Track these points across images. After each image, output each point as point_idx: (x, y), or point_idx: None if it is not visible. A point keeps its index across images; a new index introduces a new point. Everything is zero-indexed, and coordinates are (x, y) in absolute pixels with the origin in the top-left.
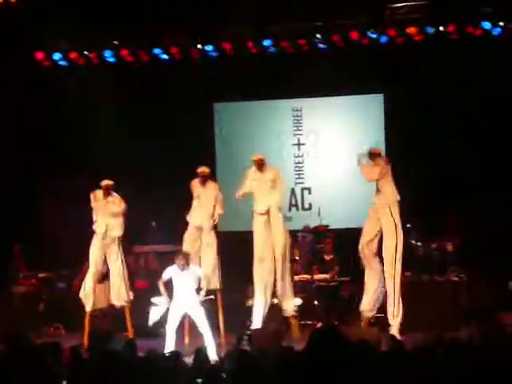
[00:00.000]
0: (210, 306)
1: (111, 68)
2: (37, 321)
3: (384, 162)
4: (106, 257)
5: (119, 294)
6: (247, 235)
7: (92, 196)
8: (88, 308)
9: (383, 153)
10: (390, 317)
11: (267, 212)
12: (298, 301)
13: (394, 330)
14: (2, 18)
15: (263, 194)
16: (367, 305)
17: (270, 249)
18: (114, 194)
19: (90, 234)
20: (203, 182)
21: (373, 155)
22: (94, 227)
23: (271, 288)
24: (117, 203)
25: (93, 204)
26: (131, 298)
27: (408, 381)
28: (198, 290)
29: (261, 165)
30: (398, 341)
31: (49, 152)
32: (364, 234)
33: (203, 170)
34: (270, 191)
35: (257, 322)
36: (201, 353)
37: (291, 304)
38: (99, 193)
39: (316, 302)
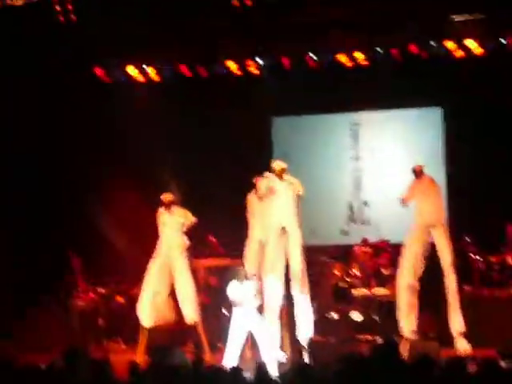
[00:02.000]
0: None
1: (170, 83)
2: (96, 335)
3: (418, 180)
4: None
5: (190, 310)
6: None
7: (158, 214)
8: (145, 323)
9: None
10: (459, 332)
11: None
12: (358, 315)
13: (463, 343)
14: (62, 34)
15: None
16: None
17: None
18: (177, 207)
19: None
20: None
21: (416, 172)
22: (158, 243)
23: None
24: (183, 217)
25: (158, 220)
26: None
27: None
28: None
29: (281, 174)
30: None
31: (108, 165)
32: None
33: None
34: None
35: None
36: (261, 368)
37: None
38: (162, 209)
39: (375, 317)
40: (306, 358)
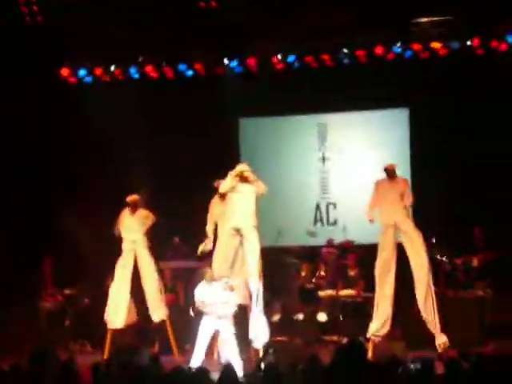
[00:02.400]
0: (237, 321)
1: (136, 84)
2: (63, 337)
3: (406, 183)
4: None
5: (158, 309)
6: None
7: (121, 215)
8: (111, 326)
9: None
10: (438, 331)
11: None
12: (324, 316)
13: (443, 338)
14: (28, 34)
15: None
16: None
17: None
18: (141, 209)
19: (114, 249)
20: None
21: (389, 171)
22: (123, 245)
23: None
24: (145, 218)
25: (120, 222)
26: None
27: None
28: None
29: (245, 177)
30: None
31: (75, 165)
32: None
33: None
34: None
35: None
36: (228, 369)
37: None
38: (125, 210)
39: (341, 318)
40: (271, 359)
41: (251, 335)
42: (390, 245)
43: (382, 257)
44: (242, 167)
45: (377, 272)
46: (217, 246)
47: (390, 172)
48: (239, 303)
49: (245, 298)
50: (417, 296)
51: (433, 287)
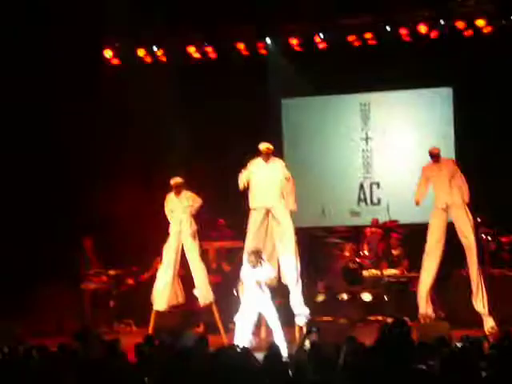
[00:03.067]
0: (282, 302)
1: (179, 65)
2: (108, 317)
3: (453, 163)
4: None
5: (204, 292)
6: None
7: (166, 198)
8: (158, 307)
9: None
10: (486, 310)
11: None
12: (368, 296)
13: (491, 322)
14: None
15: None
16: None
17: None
18: (186, 191)
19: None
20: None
21: (434, 155)
22: (170, 229)
23: None
24: (190, 200)
25: (166, 205)
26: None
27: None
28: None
29: (268, 155)
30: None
31: (119, 149)
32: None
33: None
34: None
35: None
36: (273, 349)
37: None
38: (170, 193)
39: (386, 298)
40: (315, 338)
41: (295, 313)
42: (441, 228)
43: (431, 240)
44: (264, 145)
45: (425, 254)
46: (248, 224)
47: (435, 155)
48: (279, 280)
49: (284, 277)
50: (470, 278)
51: (481, 270)
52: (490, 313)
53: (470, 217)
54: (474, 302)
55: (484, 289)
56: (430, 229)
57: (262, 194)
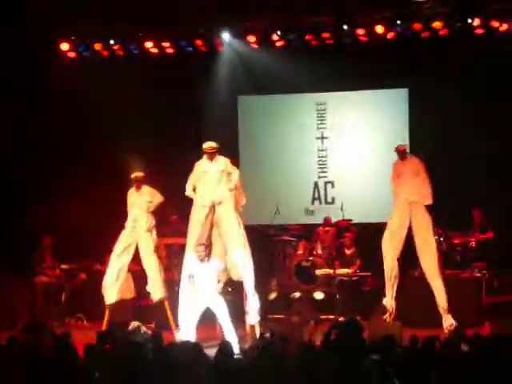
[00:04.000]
0: (232, 298)
1: (135, 60)
2: (59, 312)
3: (418, 161)
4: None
5: (157, 288)
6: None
7: (128, 193)
8: (108, 301)
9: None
10: (444, 311)
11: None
12: (320, 295)
13: (450, 319)
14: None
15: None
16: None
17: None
18: (147, 186)
19: (113, 226)
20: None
21: (399, 152)
22: (126, 222)
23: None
24: (150, 196)
25: (128, 201)
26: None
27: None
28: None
29: (212, 154)
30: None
31: (75, 141)
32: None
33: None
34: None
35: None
36: (224, 345)
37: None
38: (132, 188)
39: (338, 297)
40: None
41: (247, 311)
42: (400, 221)
43: (390, 231)
44: (209, 144)
45: (384, 245)
46: (191, 220)
47: (400, 152)
48: (233, 279)
49: (236, 275)
50: (427, 277)
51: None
52: (449, 310)
53: (428, 216)
54: (438, 300)
55: (444, 286)
56: (392, 217)
57: (207, 190)
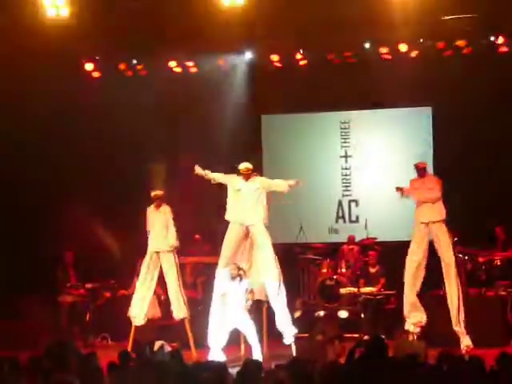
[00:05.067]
0: (255, 317)
1: (160, 78)
2: (84, 331)
3: (437, 177)
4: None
5: (179, 307)
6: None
7: (147, 212)
8: (136, 323)
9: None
10: (462, 328)
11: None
12: (344, 313)
13: (468, 341)
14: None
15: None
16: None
17: None
18: (165, 204)
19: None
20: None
21: (419, 169)
22: (148, 242)
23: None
24: (170, 213)
25: (147, 221)
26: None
27: None
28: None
29: (248, 175)
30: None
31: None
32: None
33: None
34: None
35: None
36: (249, 364)
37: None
38: (151, 206)
39: (362, 315)
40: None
41: (282, 331)
42: (422, 243)
43: (413, 256)
44: (245, 165)
45: (407, 269)
46: (226, 235)
47: (420, 170)
48: (256, 298)
49: (260, 294)
50: (447, 296)
51: (460, 289)
52: (467, 331)
53: (448, 234)
54: (452, 320)
55: (462, 307)
56: (412, 244)
57: (241, 210)
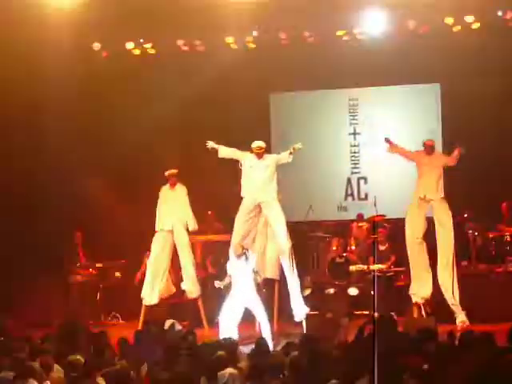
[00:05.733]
0: (266, 296)
1: (167, 57)
2: (95, 311)
3: (445, 158)
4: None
5: (192, 285)
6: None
7: (160, 191)
8: (147, 303)
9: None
10: (455, 304)
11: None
12: (354, 291)
13: (463, 316)
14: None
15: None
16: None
17: None
18: (179, 183)
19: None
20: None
21: (427, 147)
22: (159, 222)
23: None
24: (185, 192)
25: (160, 199)
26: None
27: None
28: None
29: (260, 153)
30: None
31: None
32: (417, 226)
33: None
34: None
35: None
36: (261, 343)
37: None
38: (165, 186)
39: (372, 292)
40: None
41: (294, 310)
42: (420, 217)
43: (411, 228)
44: (258, 143)
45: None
46: (236, 219)
47: (428, 147)
48: (268, 277)
49: (275, 273)
50: (438, 270)
51: (455, 263)
52: (462, 306)
53: (449, 212)
54: (445, 294)
55: (455, 283)
56: (407, 218)
57: (254, 190)
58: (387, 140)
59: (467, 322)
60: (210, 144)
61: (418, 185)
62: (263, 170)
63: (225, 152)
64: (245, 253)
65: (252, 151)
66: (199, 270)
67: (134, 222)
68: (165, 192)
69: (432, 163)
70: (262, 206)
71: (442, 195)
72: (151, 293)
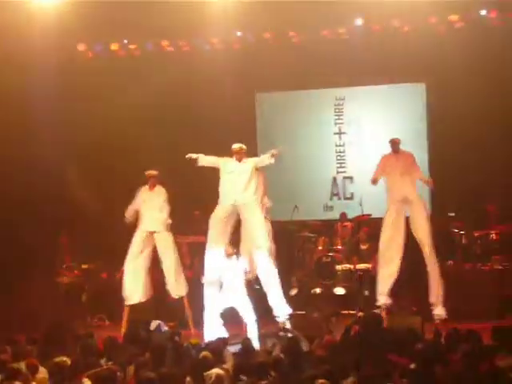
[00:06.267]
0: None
1: (151, 57)
2: (81, 312)
3: (411, 157)
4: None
5: (177, 285)
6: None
7: (139, 191)
8: (129, 302)
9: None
10: (438, 300)
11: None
12: (341, 290)
13: (440, 311)
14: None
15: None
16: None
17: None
18: (159, 184)
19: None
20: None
21: (393, 144)
22: (139, 222)
23: None
24: (163, 193)
25: (138, 198)
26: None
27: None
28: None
29: (241, 155)
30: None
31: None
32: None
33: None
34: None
35: None
36: (247, 343)
37: None
38: (144, 186)
39: (358, 292)
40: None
41: (274, 310)
42: (396, 222)
43: (386, 234)
44: (238, 145)
45: (381, 248)
46: (211, 220)
47: (394, 145)
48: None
49: (253, 272)
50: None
51: (435, 257)
52: (443, 304)
53: (425, 205)
54: (432, 294)
55: (438, 278)
56: (384, 223)
57: (231, 190)
58: (373, 181)
59: (444, 316)
60: (189, 155)
61: (389, 189)
62: (243, 173)
63: (204, 160)
64: (236, 252)
65: (232, 154)
66: (186, 271)
67: (120, 223)
68: (144, 193)
69: (399, 161)
70: (241, 208)
71: (418, 193)
72: (131, 293)
